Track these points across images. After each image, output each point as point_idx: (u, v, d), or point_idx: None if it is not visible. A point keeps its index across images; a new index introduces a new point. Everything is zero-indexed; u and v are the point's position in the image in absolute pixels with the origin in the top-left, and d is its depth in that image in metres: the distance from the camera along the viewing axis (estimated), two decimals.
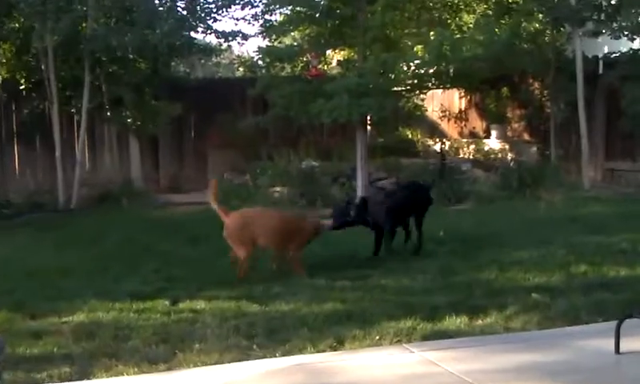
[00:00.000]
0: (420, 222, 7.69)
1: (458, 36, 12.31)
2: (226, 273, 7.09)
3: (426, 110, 16.20)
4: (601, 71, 13.58)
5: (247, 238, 6.72)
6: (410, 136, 16.28)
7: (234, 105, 14.94)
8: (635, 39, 12.45)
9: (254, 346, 4.85)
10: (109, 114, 13.56)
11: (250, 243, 6.73)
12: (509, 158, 14.09)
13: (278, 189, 12.66)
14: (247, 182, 12.98)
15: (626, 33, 12.11)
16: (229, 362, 4.59)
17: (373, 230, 7.49)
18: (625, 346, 4.49)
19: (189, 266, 7.49)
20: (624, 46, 12.82)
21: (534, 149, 14.69)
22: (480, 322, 5.33)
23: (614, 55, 13.22)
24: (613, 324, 4.57)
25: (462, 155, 15.25)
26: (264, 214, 7.27)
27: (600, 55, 13.64)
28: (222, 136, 14.68)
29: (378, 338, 4.96)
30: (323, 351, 4.77)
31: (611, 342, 4.50)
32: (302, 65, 13.72)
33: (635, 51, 12.65)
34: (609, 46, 13.50)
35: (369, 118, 12.50)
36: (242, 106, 14.94)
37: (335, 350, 4.79)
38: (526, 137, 15.51)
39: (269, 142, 15.08)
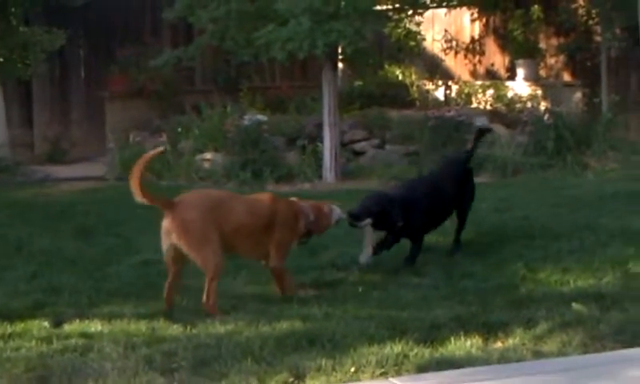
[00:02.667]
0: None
1: None
2: (132, 279, 7.07)
3: (424, 39, 16.28)
4: None
5: (213, 236, 6.27)
6: (400, 77, 16.36)
7: (143, 33, 14.83)
8: None
9: None
10: None
11: (218, 246, 6.29)
12: (542, 108, 14.23)
13: (208, 156, 12.66)
14: (164, 146, 12.92)
15: None
16: None
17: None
18: None
19: (78, 270, 7.46)
20: None
21: (578, 95, 14.87)
22: (499, 344, 5.41)
23: None
24: None
25: (475, 105, 15.38)
26: (232, 198, 6.81)
27: None
28: (126, 80, 14.58)
29: (353, 369, 4.99)
30: None
31: None
32: None
33: None
34: None
35: (340, 51, 12.51)
36: (154, 34, 14.85)
37: None
38: (567, 77, 15.69)
39: (194, 87, 15.02)
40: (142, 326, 5.89)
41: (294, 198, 6.99)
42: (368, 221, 7.14)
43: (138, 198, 6.29)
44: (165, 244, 6.29)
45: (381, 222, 7.19)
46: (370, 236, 7.22)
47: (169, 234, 6.24)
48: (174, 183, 12.02)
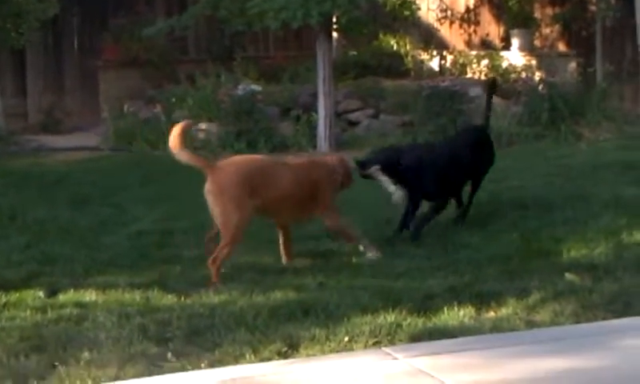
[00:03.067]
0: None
1: None
2: (127, 249, 7.09)
3: (419, 9, 16.21)
4: None
5: (244, 204, 6.34)
6: (395, 47, 16.31)
7: (137, 2, 14.75)
8: None
9: (169, 355, 4.87)
10: None
11: (246, 216, 6.39)
12: (536, 78, 14.22)
13: (202, 126, 12.64)
14: (158, 116, 12.90)
15: None
16: (132, 378, 4.61)
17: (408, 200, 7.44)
18: None
19: (72, 240, 7.47)
20: None
21: (573, 65, 14.85)
22: (492, 314, 5.44)
23: None
24: None
25: (469, 75, 15.36)
26: (274, 165, 6.92)
27: None
28: (120, 49, 14.53)
29: (347, 339, 5.03)
30: (268, 360, 4.81)
31: None
32: None
33: None
34: None
35: (334, 20, 12.47)
36: (148, 3, 14.77)
37: (285, 358, 4.84)
38: (562, 47, 15.67)
39: (188, 57, 14.97)
40: (137, 295, 5.92)
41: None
42: (375, 167, 7.19)
43: (179, 152, 6.39)
44: (209, 205, 6.36)
45: (388, 169, 7.21)
46: (387, 181, 7.23)
47: (208, 196, 6.33)
48: (168, 153, 11.94)
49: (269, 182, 6.50)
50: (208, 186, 6.33)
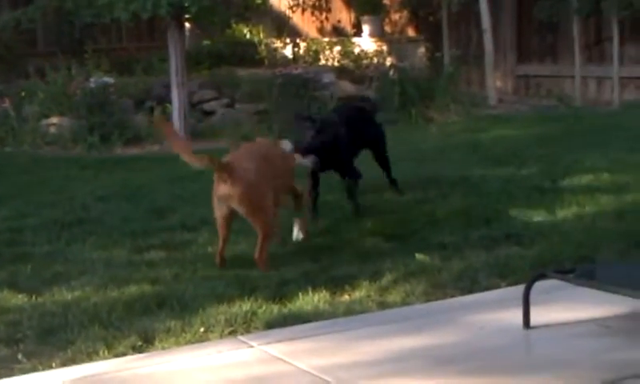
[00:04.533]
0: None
1: None
2: None
3: None
4: None
5: (270, 194, 6.14)
6: (248, 36, 16.30)
7: None
8: None
9: (20, 356, 4.76)
10: None
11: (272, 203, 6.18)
12: (387, 63, 14.46)
13: (54, 120, 12.38)
14: (7, 112, 12.54)
15: None
16: None
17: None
18: (537, 317, 4.79)
19: None
20: None
21: (422, 50, 15.17)
22: (346, 297, 5.51)
23: None
24: (521, 289, 4.87)
25: (322, 62, 15.48)
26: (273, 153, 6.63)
27: None
28: None
29: (202, 329, 5.02)
30: (123, 355, 4.76)
31: (519, 314, 4.80)
32: None
33: None
34: None
35: (186, 9, 12.36)
36: None
37: (141, 352, 4.80)
38: (411, 33, 15.97)
39: (37, 50, 14.59)
40: None
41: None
42: (314, 159, 7.06)
43: (190, 159, 5.97)
44: (221, 208, 6.07)
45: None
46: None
47: (227, 199, 6.01)
48: (18, 149, 11.70)
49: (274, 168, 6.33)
50: (225, 188, 6.00)
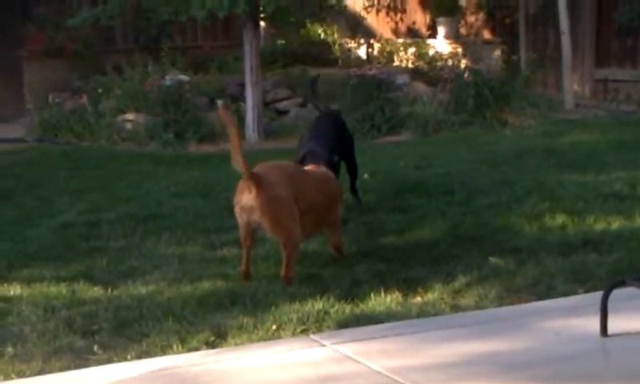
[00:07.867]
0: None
1: None
2: (52, 241, 7.00)
3: None
4: None
5: (295, 211, 5.90)
6: (322, 36, 16.34)
7: None
8: None
9: (95, 347, 4.84)
10: None
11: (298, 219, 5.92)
12: (462, 66, 14.36)
13: (130, 117, 12.53)
14: (84, 107, 12.75)
15: None
16: (59, 371, 4.57)
17: None
18: (614, 325, 4.72)
19: None
20: None
21: (498, 52, 15.04)
22: (419, 299, 5.50)
23: None
24: (599, 296, 4.80)
25: (396, 63, 15.44)
26: (301, 174, 6.43)
27: None
28: (44, 39, 14.31)
29: (274, 327, 5.04)
30: (196, 349, 4.81)
31: (596, 321, 4.73)
32: None
33: None
34: None
35: (261, 10, 12.44)
36: None
37: (213, 348, 4.84)
38: (487, 35, 15.84)
39: (115, 47, 14.80)
40: (62, 288, 5.85)
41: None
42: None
43: (234, 154, 5.77)
44: (244, 219, 5.87)
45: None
46: None
47: (252, 211, 5.82)
48: (95, 145, 11.89)
49: (302, 190, 6.09)
50: (251, 200, 5.81)
